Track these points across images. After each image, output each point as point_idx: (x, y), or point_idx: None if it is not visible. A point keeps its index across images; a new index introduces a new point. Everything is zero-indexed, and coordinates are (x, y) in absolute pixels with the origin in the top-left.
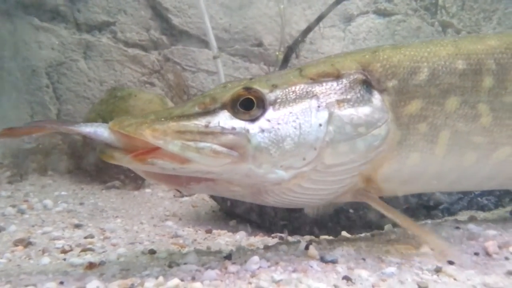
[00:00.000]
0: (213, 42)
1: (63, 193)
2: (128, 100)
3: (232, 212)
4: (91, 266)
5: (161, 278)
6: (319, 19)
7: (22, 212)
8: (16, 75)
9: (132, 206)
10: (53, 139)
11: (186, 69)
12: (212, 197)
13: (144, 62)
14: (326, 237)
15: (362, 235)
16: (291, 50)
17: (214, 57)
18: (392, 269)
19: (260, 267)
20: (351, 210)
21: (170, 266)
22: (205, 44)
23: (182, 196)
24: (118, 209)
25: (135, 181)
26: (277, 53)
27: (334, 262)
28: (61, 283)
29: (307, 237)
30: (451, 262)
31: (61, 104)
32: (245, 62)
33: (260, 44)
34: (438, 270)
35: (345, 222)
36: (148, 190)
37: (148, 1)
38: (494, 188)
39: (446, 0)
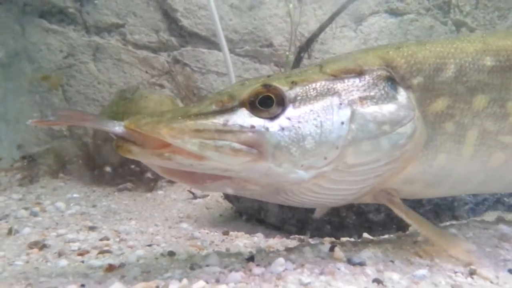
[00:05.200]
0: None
1: (75, 195)
2: (139, 101)
3: (247, 214)
4: (111, 268)
5: (185, 281)
6: (331, 19)
7: (35, 214)
8: (26, 78)
9: (145, 208)
10: (64, 142)
11: (196, 71)
12: (226, 198)
13: (154, 64)
14: (348, 239)
15: (386, 236)
16: (303, 50)
17: None
18: (423, 272)
19: (285, 269)
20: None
21: (192, 268)
22: (214, 45)
23: (195, 198)
24: (131, 211)
25: (148, 183)
26: (287, 53)
27: (362, 264)
28: (83, 285)
29: (328, 239)
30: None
31: (71, 107)
32: (255, 63)
33: (270, 45)
34: (472, 272)
35: (366, 223)
36: (160, 192)
37: (158, 3)
38: None
39: None
